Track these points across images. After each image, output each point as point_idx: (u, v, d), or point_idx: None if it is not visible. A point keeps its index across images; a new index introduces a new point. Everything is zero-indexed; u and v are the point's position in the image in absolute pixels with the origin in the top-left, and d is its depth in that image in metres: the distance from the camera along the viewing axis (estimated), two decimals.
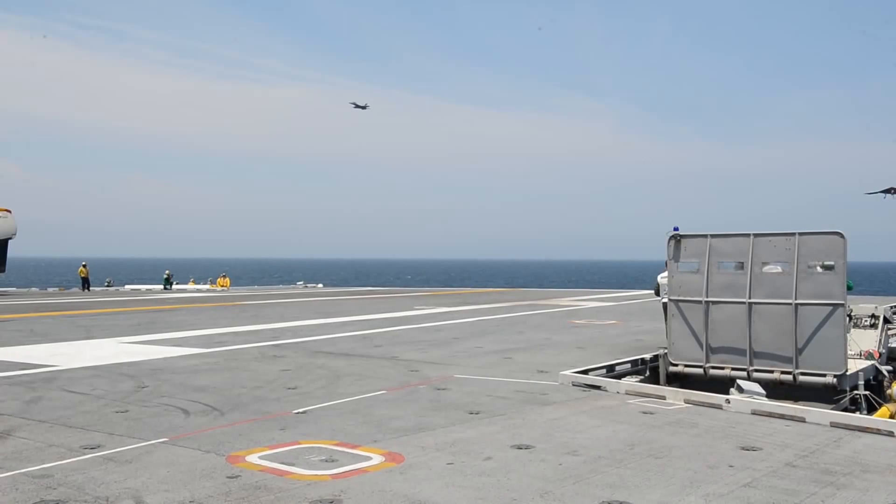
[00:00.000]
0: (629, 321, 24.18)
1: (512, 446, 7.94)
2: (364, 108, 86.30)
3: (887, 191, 61.44)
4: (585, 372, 12.31)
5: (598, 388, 11.55)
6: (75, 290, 50.42)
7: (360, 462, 7.29)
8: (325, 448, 7.78)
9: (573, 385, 11.74)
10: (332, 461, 7.29)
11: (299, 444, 7.97)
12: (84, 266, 50.23)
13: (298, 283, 62.04)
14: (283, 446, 7.85)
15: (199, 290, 49.78)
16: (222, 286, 54.09)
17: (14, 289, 48.55)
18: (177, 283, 56.28)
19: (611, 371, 13.00)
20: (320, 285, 59.35)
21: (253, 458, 7.36)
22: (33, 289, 51.07)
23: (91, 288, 49.50)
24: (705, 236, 13.62)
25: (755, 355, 13.00)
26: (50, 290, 49.04)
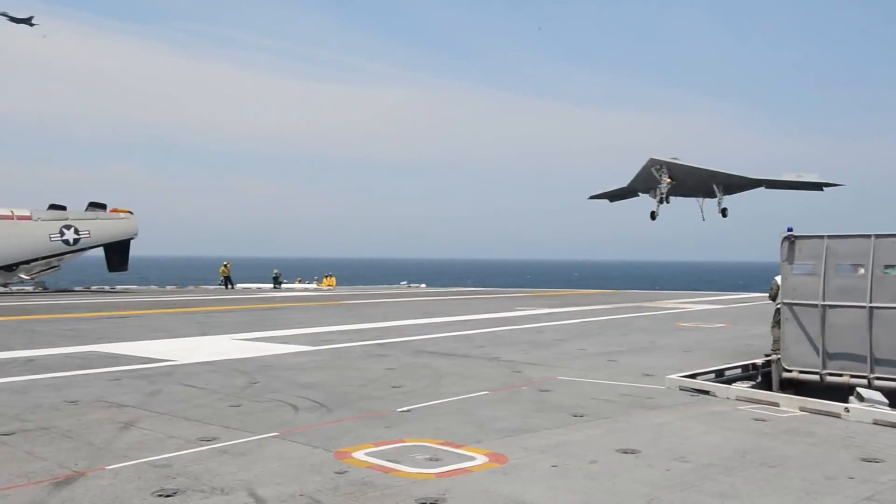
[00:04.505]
0: (738, 324, 23.41)
1: (617, 450, 7.82)
2: (29, 22, 64.20)
3: (618, 194, 44.85)
4: (693, 376, 11.99)
5: (706, 393, 11.22)
6: (190, 287, 52.66)
7: (464, 462, 7.32)
8: (430, 447, 7.86)
9: (680, 389, 11.46)
10: (437, 460, 7.35)
11: (404, 441, 8.08)
12: (226, 265, 52.14)
13: (402, 282, 62.85)
14: (388, 444, 7.97)
15: (305, 290, 51.15)
16: (328, 286, 55.41)
17: (135, 286, 51.19)
18: (284, 283, 57.95)
19: (720, 376, 12.62)
20: (423, 285, 59.94)
21: (359, 455, 7.50)
22: (152, 286, 53.66)
23: (233, 286, 51.39)
24: (822, 237, 13.06)
25: (876, 362, 12.36)
26: (168, 287, 51.38)
